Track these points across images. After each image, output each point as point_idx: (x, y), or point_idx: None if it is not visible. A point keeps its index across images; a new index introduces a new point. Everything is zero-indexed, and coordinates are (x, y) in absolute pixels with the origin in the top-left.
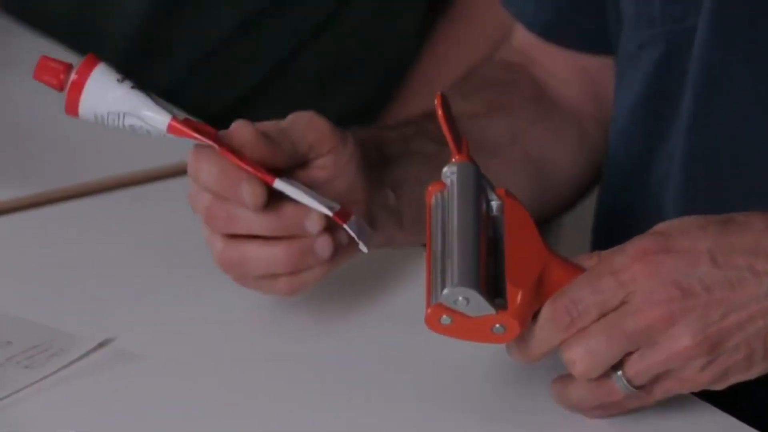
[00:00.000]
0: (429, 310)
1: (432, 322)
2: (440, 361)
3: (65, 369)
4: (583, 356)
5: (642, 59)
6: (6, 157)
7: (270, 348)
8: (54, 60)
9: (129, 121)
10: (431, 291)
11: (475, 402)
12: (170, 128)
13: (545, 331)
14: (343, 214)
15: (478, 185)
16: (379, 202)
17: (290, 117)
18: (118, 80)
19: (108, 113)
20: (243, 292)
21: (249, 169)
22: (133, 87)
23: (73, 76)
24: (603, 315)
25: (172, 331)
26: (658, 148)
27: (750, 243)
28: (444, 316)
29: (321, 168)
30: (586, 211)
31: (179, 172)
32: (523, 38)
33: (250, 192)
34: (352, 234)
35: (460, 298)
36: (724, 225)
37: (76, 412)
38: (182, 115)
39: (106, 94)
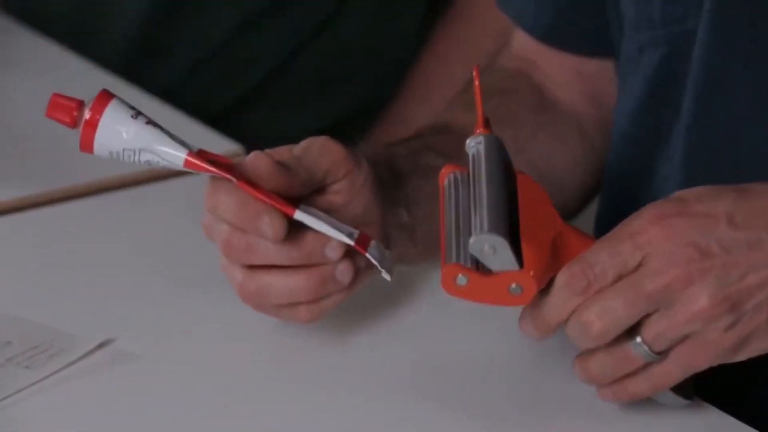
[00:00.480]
0: (445, 269)
1: (447, 283)
2: (444, 368)
3: (65, 369)
4: (600, 316)
5: (642, 61)
6: (6, 157)
7: (270, 349)
8: (65, 97)
9: (145, 156)
10: (446, 256)
11: (478, 407)
12: (187, 163)
13: (561, 295)
14: (363, 241)
15: (504, 153)
16: (393, 222)
17: (304, 143)
18: (131, 116)
19: (123, 150)
20: None
21: (268, 200)
22: (147, 122)
23: (86, 114)
24: (620, 278)
25: (172, 331)
26: (659, 150)
27: (767, 207)
28: (460, 276)
29: (337, 193)
30: (588, 213)
31: (179, 172)
32: (523, 42)
33: (269, 225)
34: (375, 263)
35: (486, 247)
36: (741, 192)
37: (77, 413)
38: (196, 147)
39: (120, 131)
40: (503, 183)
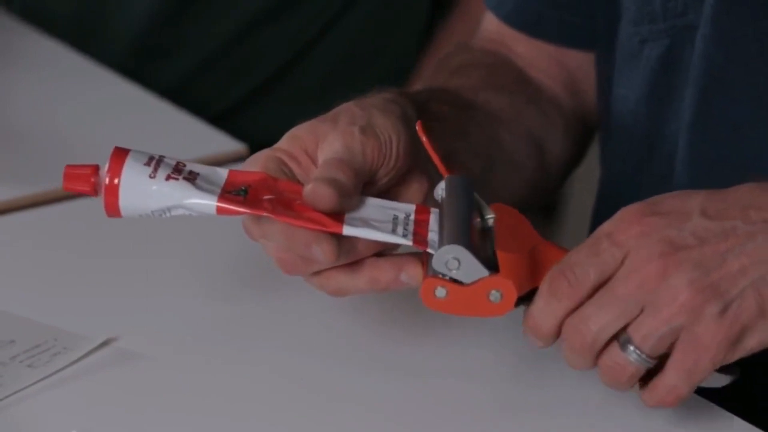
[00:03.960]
0: (423, 283)
1: (427, 296)
2: (446, 371)
3: (68, 368)
4: (578, 328)
5: (644, 55)
6: (6, 157)
7: (272, 348)
8: (79, 166)
9: (176, 212)
10: (426, 271)
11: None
12: (219, 210)
13: (546, 300)
14: (421, 223)
15: (471, 190)
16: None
17: (337, 146)
18: (150, 176)
19: (152, 211)
20: (245, 293)
21: (312, 227)
22: (168, 177)
23: (104, 180)
24: (602, 277)
25: (174, 331)
26: (660, 146)
27: (741, 197)
28: (438, 287)
29: (380, 179)
30: (585, 209)
31: None
32: (497, 27)
33: (320, 252)
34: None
35: (451, 258)
36: (713, 190)
37: (79, 411)
38: (225, 170)
39: (143, 194)
40: (465, 207)
